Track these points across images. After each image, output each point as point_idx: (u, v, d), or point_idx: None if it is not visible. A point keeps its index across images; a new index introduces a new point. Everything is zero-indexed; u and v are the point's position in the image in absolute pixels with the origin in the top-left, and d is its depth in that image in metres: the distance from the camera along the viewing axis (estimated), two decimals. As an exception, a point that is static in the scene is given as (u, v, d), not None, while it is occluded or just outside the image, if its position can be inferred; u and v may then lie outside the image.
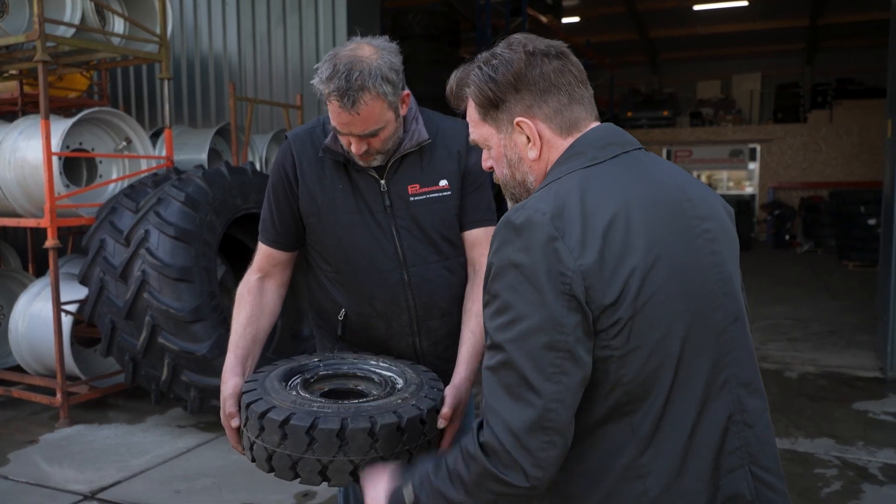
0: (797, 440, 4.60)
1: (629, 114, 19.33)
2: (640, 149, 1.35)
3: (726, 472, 1.25)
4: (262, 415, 1.63)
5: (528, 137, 1.32)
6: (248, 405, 1.68)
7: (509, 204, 1.44)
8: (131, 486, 3.98)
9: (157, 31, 5.63)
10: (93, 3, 5.47)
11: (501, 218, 1.23)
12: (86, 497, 3.84)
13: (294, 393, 1.73)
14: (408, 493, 1.33)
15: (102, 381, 5.34)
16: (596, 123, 1.35)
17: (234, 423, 1.77)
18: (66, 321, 5.00)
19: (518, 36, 1.35)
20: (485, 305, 1.23)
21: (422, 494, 1.30)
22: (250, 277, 2.03)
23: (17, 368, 5.58)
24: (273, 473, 1.66)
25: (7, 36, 5.03)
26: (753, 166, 19.21)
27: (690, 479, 1.22)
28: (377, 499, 1.44)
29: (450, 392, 1.80)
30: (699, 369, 1.23)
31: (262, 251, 2.04)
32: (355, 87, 1.75)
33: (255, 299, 1.99)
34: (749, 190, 19.38)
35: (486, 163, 1.42)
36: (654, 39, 19.46)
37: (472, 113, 1.38)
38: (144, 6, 5.97)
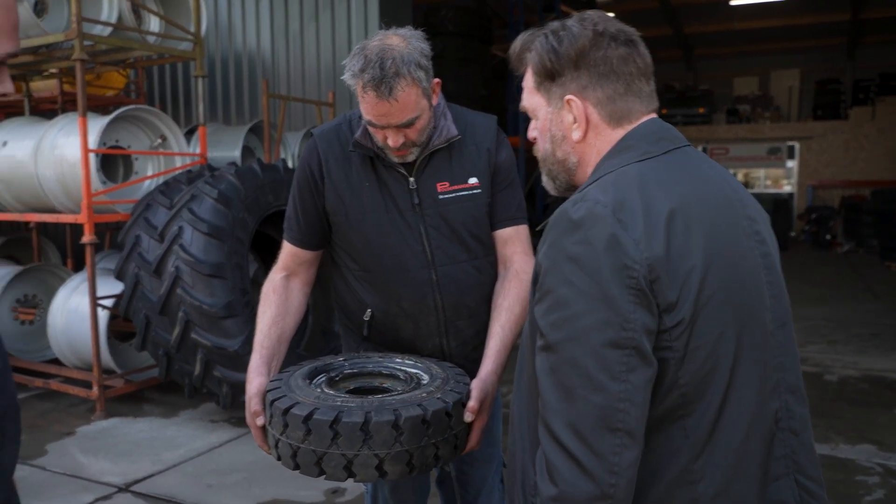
0: (837, 446, 4.48)
1: (663, 111, 19.07)
2: (688, 145, 1.32)
3: (772, 480, 1.21)
4: (286, 411, 1.63)
5: (574, 117, 1.28)
6: (272, 402, 1.69)
7: (543, 179, 1.41)
8: (164, 479, 4.02)
9: (192, 29, 5.69)
10: (129, 2, 5.54)
11: (555, 213, 1.19)
12: (120, 489, 3.89)
13: (318, 390, 1.73)
14: None
15: (137, 374, 5.42)
16: (649, 116, 1.31)
17: (260, 421, 1.77)
18: (103, 316, 5.08)
19: (593, 13, 1.31)
20: (537, 302, 1.18)
21: None
22: (275, 276, 2.03)
23: (56, 361, 5.69)
24: (299, 470, 1.66)
25: (46, 35, 5.11)
26: (792, 164, 18.84)
27: (741, 485, 1.18)
28: None
29: (476, 385, 1.78)
30: (752, 373, 1.19)
31: (288, 250, 2.04)
32: (390, 75, 1.73)
33: (280, 298, 1.99)
34: (787, 188, 19.02)
35: (532, 133, 1.39)
36: (688, 35, 19.16)
37: (528, 79, 1.35)
38: (180, 5, 6.04)
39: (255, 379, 1.84)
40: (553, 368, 1.13)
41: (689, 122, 19.22)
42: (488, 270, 2.03)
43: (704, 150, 19.13)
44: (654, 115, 1.32)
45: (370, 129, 1.86)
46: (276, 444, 1.70)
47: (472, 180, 1.98)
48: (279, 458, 1.71)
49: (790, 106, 19.43)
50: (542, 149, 1.37)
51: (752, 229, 1.26)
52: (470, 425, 1.76)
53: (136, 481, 3.98)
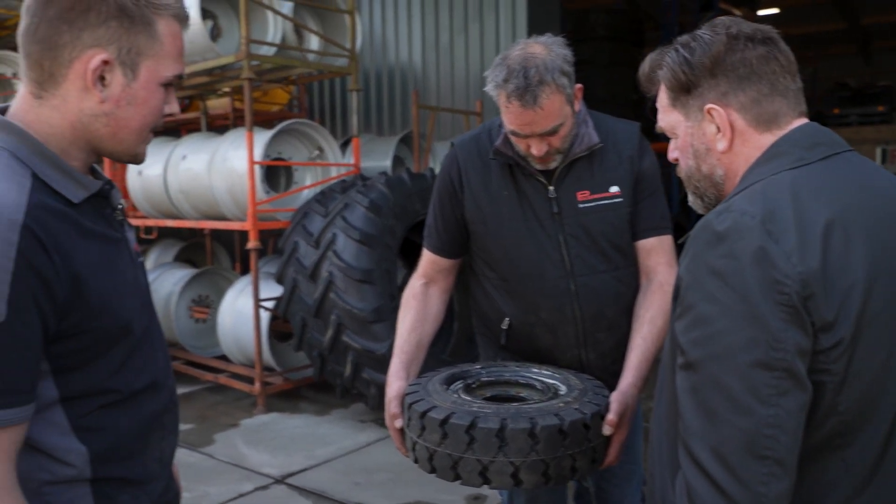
0: None
1: (835, 110, 17.61)
2: (849, 151, 1.21)
3: None
4: (423, 414, 1.66)
5: (717, 127, 1.22)
6: (410, 405, 1.73)
7: (690, 198, 1.35)
8: (316, 474, 4.24)
9: (348, 46, 5.97)
10: (292, 23, 5.91)
11: (697, 225, 1.13)
12: (276, 481, 4.14)
13: (455, 396, 1.76)
14: None
15: (295, 373, 5.76)
16: (801, 120, 1.22)
17: (398, 423, 1.82)
18: (264, 317, 5.44)
19: (724, 18, 1.26)
20: (677, 318, 1.12)
21: None
22: (415, 283, 2.08)
23: (224, 358, 6.15)
24: (435, 474, 1.69)
25: (219, 57, 5.56)
26: None
27: None
28: None
29: (616, 398, 1.73)
30: None
31: (427, 257, 2.08)
32: (534, 84, 1.73)
33: (419, 305, 2.03)
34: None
35: (672, 153, 1.33)
36: (866, 27, 17.63)
37: (663, 98, 1.31)
38: (337, 23, 6.36)
39: (395, 383, 1.90)
40: (694, 388, 1.07)
41: (866, 122, 17.61)
42: (629, 281, 1.97)
43: (885, 152, 17.48)
44: (805, 120, 1.23)
45: (513, 138, 1.87)
46: (413, 447, 1.74)
47: (614, 189, 1.93)
48: (416, 461, 1.75)
49: None
50: (685, 166, 1.30)
51: None
52: (609, 439, 1.72)
53: (291, 474, 4.22)
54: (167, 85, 1.16)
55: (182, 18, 1.15)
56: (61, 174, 1.10)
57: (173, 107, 1.19)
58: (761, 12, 14.95)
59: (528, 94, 1.73)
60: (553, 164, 1.89)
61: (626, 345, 1.91)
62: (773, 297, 1.01)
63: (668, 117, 1.30)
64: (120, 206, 1.23)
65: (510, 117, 1.79)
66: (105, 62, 1.09)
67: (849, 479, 1.07)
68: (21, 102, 1.12)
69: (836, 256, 1.04)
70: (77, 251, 1.07)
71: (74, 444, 1.12)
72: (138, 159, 1.20)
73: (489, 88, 1.82)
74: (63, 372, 1.10)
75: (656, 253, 1.95)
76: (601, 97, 9.55)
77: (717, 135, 1.23)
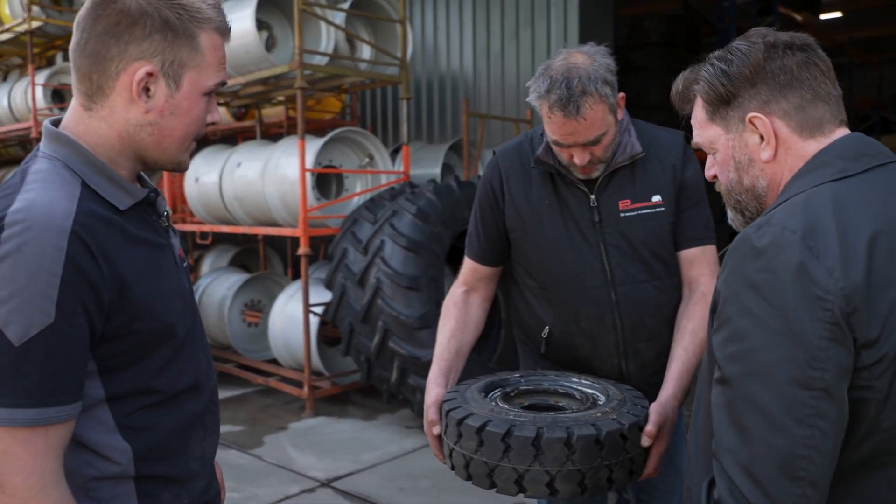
0: None
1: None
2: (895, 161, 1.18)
3: None
4: (460, 421, 1.67)
5: (761, 136, 1.20)
6: (447, 412, 1.74)
7: (729, 214, 1.33)
8: (361, 478, 4.28)
9: (399, 54, 6.04)
10: (344, 33, 6.01)
11: (737, 237, 1.12)
12: (322, 484, 4.20)
13: (493, 404, 1.76)
14: None
15: (343, 378, 5.83)
16: (843, 129, 1.20)
17: (436, 430, 1.83)
18: (314, 321, 5.52)
19: (758, 29, 1.25)
20: (714, 331, 1.11)
21: None
22: (456, 291, 2.09)
23: (275, 361, 6.27)
24: (471, 481, 1.70)
25: (274, 67, 5.69)
26: None
27: None
28: None
29: (655, 409, 1.71)
30: None
31: (468, 265, 2.09)
32: (577, 94, 1.72)
33: (459, 312, 2.04)
34: None
35: (710, 170, 1.31)
36: (936, 30, 16.95)
37: (700, 113, 1.29)
38: (389, 32, 6.45)
39: (433, 389, 1.91)
40: (729, 403, 1.06)
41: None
42: (671, 292, 1.95)
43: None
44: (846, 129, 1.20)
45: (555, 148, 1.86)
46: (450, 454, 1.75)
47: (656, 198, 1.91)
48: (453, 468, 1.76)
49: None
50: (725, 180, 1.28)
51: None
52: (647, 451, 1.70)
53: (337, 478, 4.27)
54: (209, 94, 1.20)
55: (223, 31, 1.20)
56: (109, 183, 1.15)
57: (215, 116, 1.23)
58: (824, 16, 14.54)
59: (571, 105, 1.73)
60: (595, 174, 1.89)
61: (668, 356, 1.88)
62: (814, 313, 0.99)
63: (706, 132, 1.29)
64: (165, 214, 1.27)
65: (553, 128, 1.80)
66: (150, 74, 1.14)
67: (892, 498, 1.04)
68: (72, 114, 1.18)
69: (880, 270, 1.02)
70: (123, 256, 1.12)
71: (119, 442, 1.17)
72: (181, 167, 1.25)
73: (531, 98, 1.82)
74: (109, 372, 1.14)
75: (699, 263, 1.92)
76: (655, 104, 9.43)
77: (760, 144, 1.21)
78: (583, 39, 6.79)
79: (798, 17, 11.84)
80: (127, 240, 1.14)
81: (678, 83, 1.35)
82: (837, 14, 15.84)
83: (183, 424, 1.25)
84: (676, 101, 1.35)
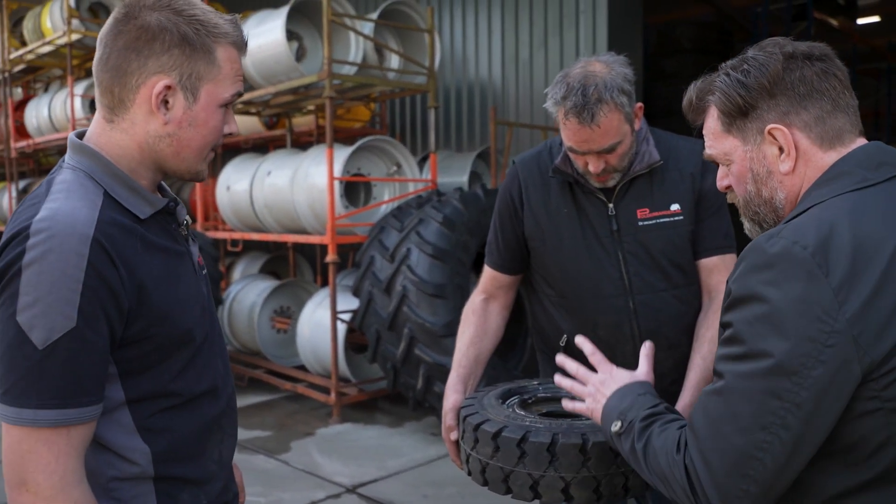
0: None
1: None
2: None
3: None
4: (477, 427, 1.69)
5: (780, 148, 1.19)
6: (464, 418, 1.76)
7: (746, 225, 1.33)
8: (386, 485, 4.30)
9: (427, 64, 6.09)
10: (373, 43, 6.08)
11: (751, 243, 1.13)
12: (347, 490, 4.23)
13: (510, 410, 1.78)
14: (615, 425, 1.35)
15: (370, 385, 5.86)
16: (861, 140, 1.19)
17: (453, 436, 1.85)
18: (341, 328, 5.57)
19: (774, 39, 1.24)
20: (720, 327, 1.16)
21: (624, 441, 1.32)
22: (475, 298, 2.11)
23: (303, 368, 6.33)
24: (487, 486, 1.72)
25: (303, 77, 5.78)
26: None
27: None
28: (596, 403, 1.46)
29: None
30: None
31: (488, 273, 2.11)
32: (592, 101, 1.74)
33: (479, 320, 2.06)
34: None
35: (723, 181, 1.31)
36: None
37: (714, 124, 1.28)
38: (417, 40, 6.50)
39: (451, 396, 1.93)
40: (710, 393, 1.13)
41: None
42: (691, 301, 1.94)
43: None
44: (864, 140, 1.19)
45: (571, 155, 1.88)
46: (467, 460, 1.77)
47: (674, 207, 1.91)
48: (469, 473, 1.77)
49: None
50: (741, 192, 1.27)
51: None
52: None
53: (362, 484, 4.30)
54: (225, 106, 1.24)
55: (240, 45, 1.24)
56: (130, 192, 1.19)
57: (232, 126, 1.27)
58: (861, 20, 14.29)
59: (586, 112, 1.74)
60: (611, 182, 1.89)
61: (686, 365, 1.88)
62: (811, 334, 1.01)
63: (720, 144, 1.27)
64: (185, 222, 1.31)
65: (568, 134, 1.81)
66: (168, 87, 1.18)
67: None
68: (95, 127, 1.23)
69: (894, 285, 1.01)
70: (142, 263, 1.16)
71: (139, 444, 1.20)
72: (199, 177, 1.29)
73: (548, 105, 1.83)
74: (129, 375, 1.18)
75: (719, 272, 1.92)
76: (679, 110, 9.35)
77: (779, 156, 1.20)
78: (612, 47, 6.78)
79: (834, 23, 11.66)
80: (146, 247, 1.18)
81: (691, 93, 1.33)
82: (875, 18, 15.56)
83: (201, 427, 1.29)
84: (689, 111, 1.34)
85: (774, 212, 1.24)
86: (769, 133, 1.19)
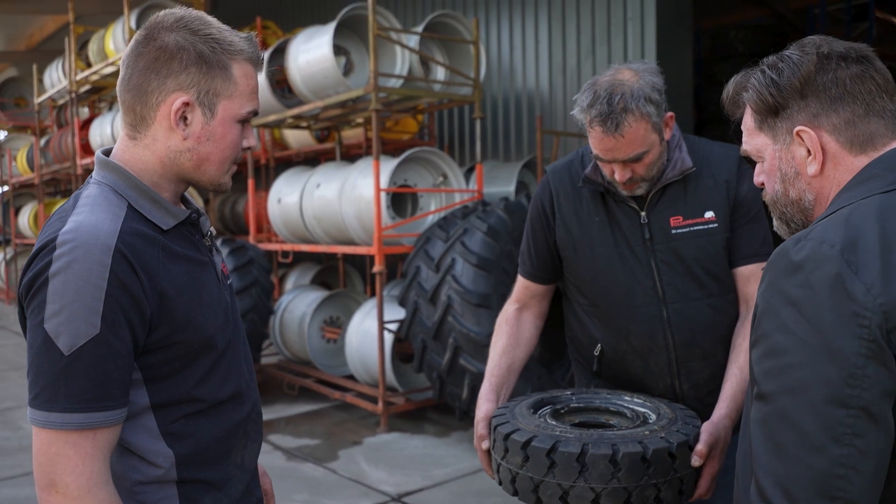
0: None
1: None
2: None
3: None
4: (507, 436, 1.69)
5: (808, 150, 1.17)
6: (495, 427, 1.75)
7: (775, 223, 1.30)
8: (431, 494, 4.31)
9: (472, 75, 6.11)
10: (419, 55, 6.14)
11: (776, 250, 1.11)
12: (393, 499, 4.25)
13: (541, 420, 1.76)
14: None
15: (417, 394, 5.88)
16: None
17: (485, 445, 1.84)
18: (388, 338, 5.61)
19: (814, 38, 1.21)
20: (752, 346, 1.11)
21: None
22: (509, 308, 2.10)
23: (352, 377, 6.40)
24: (517, 496, 1.71)
25: (350, 91, 5.87)
26: None
27: None
28: None
29: (706, 429, 1.67)
30: None
31: (521, 283, 2.10)
32: (618, 111, 1.72)
33: (512, 329, 2.05)
34: None
35: (758, 178, 1.29)
36: None
37: (749, 120, 1.27)
38: (463, 51, 6.54)
39: (484, 405, 1.93)
40: (765, 420, 1.04)
41: None
42: (726, 310, 1.89)
43: None
44: None
45: (599, 163, 1.86)
46: (497, 469, 1.76)
47: (708, 214, 1.88)
48: (500, 483, 1.76)
49: None
50: (771, 190, 1.26)
51: None
52: (699, 471, 1.66)
53: (407, 493, 4.31)
54: (243, 121, 1.28)
55: (255, 62, 1.27)
56: (153, 205, 1.24)
57: (250, 140, 1.31)
58: (926, 20, 13.73)
59: (611, 121, 1.72)
60: (638, 191, 1.87)
61: (723, 375, 1.83)
62: (850, 330, 0.97)
63: (753, 141, 1.26)
64: (209, 233, 1.35)
65: (594, 142, 1.80)
66: (186, 104, 1.23)
67: None
68: (120, 144, 1.29)
69: None
70: (164, 272, 1.20)
71: (163, 448, 1.24)
72: (222, 188, 1.33)
73: (576, 112, 1.82)
74: (154, 381, 1.22)
75: (756, 280, 1.87)
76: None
77: (807, 158, 1.18)
78: (661, 53, 6.69)
79: (897, 22, 11.26)
80: (169, 256, 1.22)
81: (729, 87, 1.31)
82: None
83: (225, 432, 1.32)
84: (727, 105, 1.32)
85: (803, 213, 1.22)
86: (797, 134, 1.17)
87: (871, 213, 1.04)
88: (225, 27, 1.27)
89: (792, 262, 1.04)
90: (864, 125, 1.14)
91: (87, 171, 10.47)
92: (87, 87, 9.98)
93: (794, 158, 1.19)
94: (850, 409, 0.96)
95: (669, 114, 1.83)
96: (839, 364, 0.97)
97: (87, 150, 10.25)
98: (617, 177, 1.82)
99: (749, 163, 1.94)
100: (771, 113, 1.20)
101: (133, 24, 8.02)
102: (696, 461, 1.63)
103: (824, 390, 0.98)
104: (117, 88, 1.27)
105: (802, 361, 1.00)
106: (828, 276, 1.00)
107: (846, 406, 0.96)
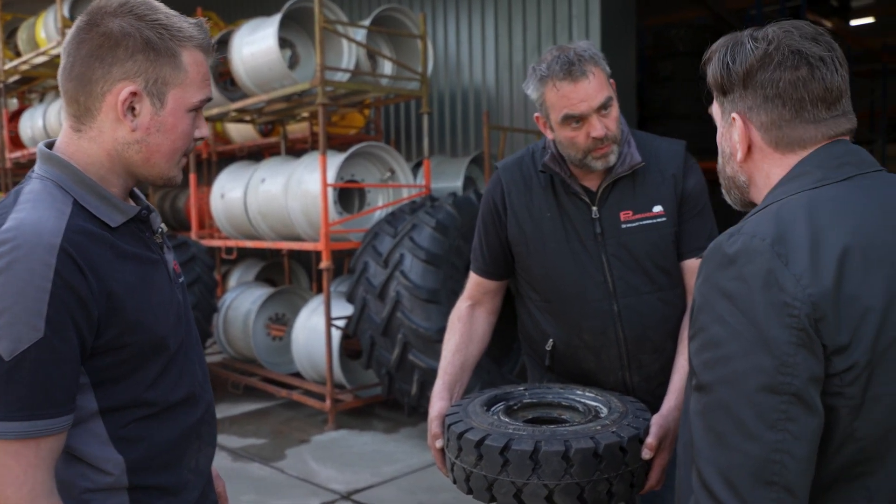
0: None
1: None
2: (880, 170, 1.16)
3: None
4: (460, 435, 1.68)
5: (739, 137, 1.21)
6: (449, 426, 1.75)
7: (724, 192, 1.33)
8: (381, 491, 4.29)
9: (419, 70, 6.09)
10: (366, 49, 6.08)
11: (711, 245, 1.13)
12: (342, 497, 4.21)
13: (494, 417, 1.76)
14: None
15: (365, 391, 5.85)
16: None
17: (438, 444, 1.84)
18: (336, 335, 5.56)
19: (788, 24, 1.18)
20: (690, 339, 1.13)
21: None
22: (461, 305, 2.10)
23: (298, 375, 6.31)
24: (472, 495, 1.70)
25: (296, 84, 5.78)
26: None
27: None
28: None
29: (656, 421, 1.70)
30: None
31: (473, 279, 2.10)
32: (578, 61, 1.77)
33: (465, 326, 2.05)
34: None
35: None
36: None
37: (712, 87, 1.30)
38: (410, 46, 6.50)
39: (437, 403, 1.92)
40: (704, 411, 1.07)
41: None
42: (676, 303, 1.93)
43: None
44: (841, 139, 1.18)
45: (570, 134, 1.83)
46: (451, 468, 1.76)
47: (657, 208, 1.91)
48: (455, 481, 1.76)
49: None
50: (718, 161, 1.31)
51: None
52: (650, 463, 1.69)
53: (357, 491, 4.29)
54: (194, 111, 1.23)
55: (206, 49, 1.23)
56: (100, 200, 1.19)
57: (203, 130, 1.27)
58: (855, 21, 14.31)
59: (576, 68, 1.77)
60: (612, 158, 1.86)
61: (672, 368, 1.87)
62: (781, 320, 1.00)
63: (713, 107, 1.30)
64: (160, 230, 1.30)
65: (564, 100, 1.79)
66: (134, 93, 1.17)
67: None
68: (63, 136, 1.22)
69: (852, 280, 1.01)
70: (113, 271, 1.15)
71: (112, 454, 1.19)
72: (173, 182, 1.28)
73: (531, 91, 1.84)
74: (102, 385, 1.17)
75: None
76: (682, 113, 9.34)
77: (738, 143, 1.21)
78: (605, 50, 6.78)
79: (828, 24, 11.67)
80: (117, 255, 1.17)
81: (713, 48, 1.28)
82: (870, 20, 15.58)
83: (178, 436, 1.28)
84: (704, 63, 1.30)
85: (739, 189, 1.27)
86: (733, 119, 1.21)
87: (801, 207, 1.08)
88: (173, 12, 1.21)
89: (726, 255, 1.07)
90: (789, 129, 1.15)
91: (17, 165, 10.05)
92: (16, 78, 9.57)
93: (731, 139, 1.23)
94: (783, 395, 1.00)
95: (612, 81, 1.87)
96: (772, 353, 1.00)
97: (16, 143, 9.83)
98: (595, 132, 1.80)
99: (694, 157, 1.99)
100: (721, 91, 1.23)
101: (66, 11, 7.71)
102: (646, 454, 1.65)
103: (759, 379, 1.01)
104: (58, 78, 1.20)
105: (738, 352, 1.03)
106: (760, 269, 1.03)
107: (779, 392, 1.00)
